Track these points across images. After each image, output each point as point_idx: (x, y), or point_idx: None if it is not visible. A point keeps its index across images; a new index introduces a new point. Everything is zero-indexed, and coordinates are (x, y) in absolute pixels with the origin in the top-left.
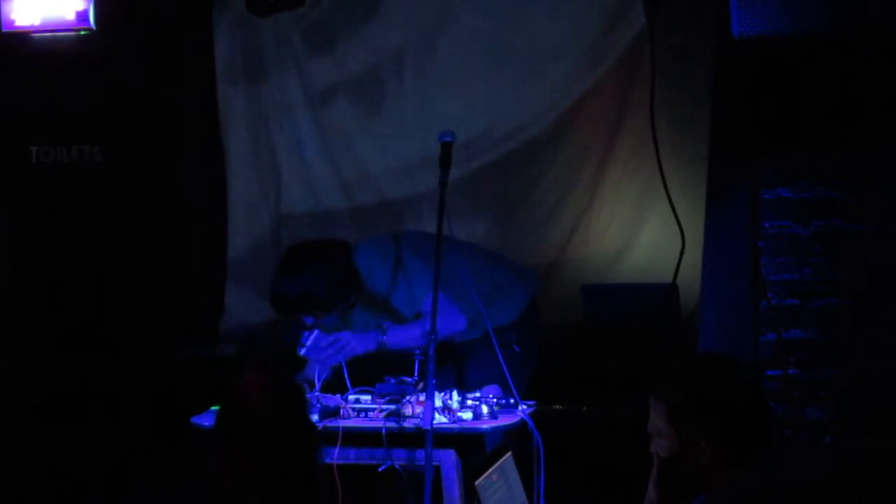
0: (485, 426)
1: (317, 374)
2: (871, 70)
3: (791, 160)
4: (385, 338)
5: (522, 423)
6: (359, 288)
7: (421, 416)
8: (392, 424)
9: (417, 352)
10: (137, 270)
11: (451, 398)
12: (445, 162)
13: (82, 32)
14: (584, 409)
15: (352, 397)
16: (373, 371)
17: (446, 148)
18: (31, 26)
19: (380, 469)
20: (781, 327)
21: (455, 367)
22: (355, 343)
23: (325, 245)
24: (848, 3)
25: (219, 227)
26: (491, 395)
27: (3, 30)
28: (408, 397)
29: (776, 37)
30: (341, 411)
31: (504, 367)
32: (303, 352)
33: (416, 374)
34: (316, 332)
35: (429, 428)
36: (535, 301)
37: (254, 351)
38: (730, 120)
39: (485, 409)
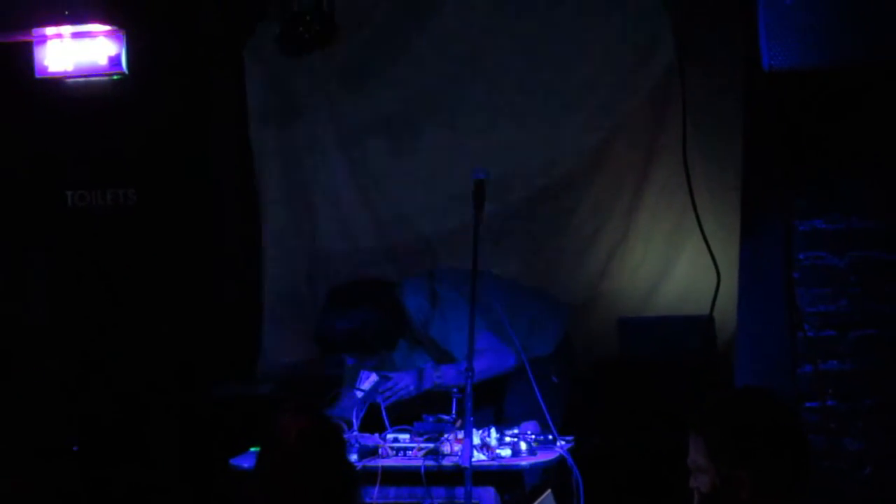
0: (523, 463)
1: (355, 413)
2: None
3: (825, 191)
4: (438, 377)
5: (561, 459)
6: (405, 328)
7: (459, 453)
8: (431, 463)
9: (455, 389)
10: (174, 311)
11: (489, 435)
12: (479, 199)
13: (115, 77)
14: (623, 443)
15: (390, 436)
16: (410, 409)
17: (479, 185)
18: (65, 72)
19: None
20: (819, 359)
21: (493, 403)
22: (411, 383)
23: (372, 286)
24: (878, 33)
25: (254, 267)
26: (529, 432)
27: (37, 76)
28: (446, 435)
29: (806, 69)
30: (380, 450)
31: (541, 401)
32: (361, 395)
33: (453, 411)
34: (374, 374)
35: (467, 466)
36: (569, 335)
37: (292, 392)
38: (762, 152)
39: (523, 445)
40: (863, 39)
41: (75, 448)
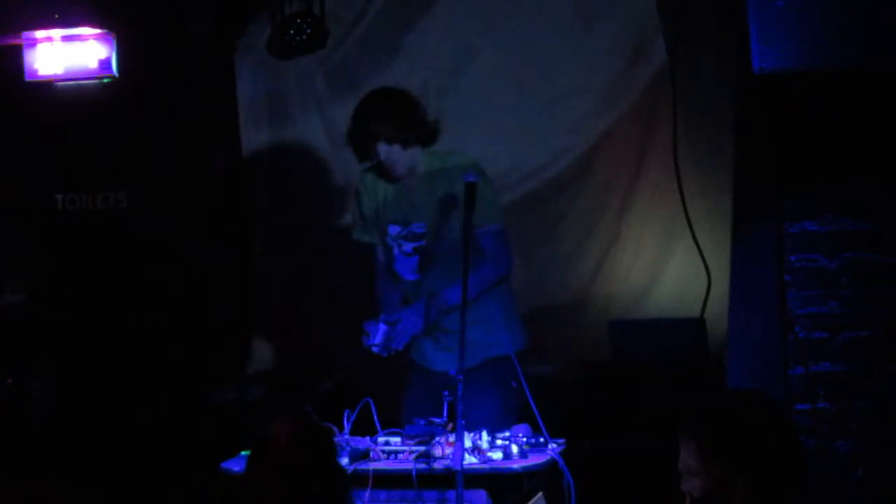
0: (515, 466)
1: (345, 416)
2: (891, 102)
3: (815, 193)
4: (443, 302)
5: (553, 461)
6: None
7: (451, 456)
8: (422, 466)
9: (446, 392)
10: (165, 315)
11: (480, 438)
12: (470, 201)
13: (105, 80)
14: (615, 446)
15: (381, 439)
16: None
17: (471, 188)
18: (55, 75)
19: None
20: (810, 361)
21: (483, 406)
22: (418, 319)
23: None
24: (868, 37)
25: (245, 271)
26: (521, 434)
27: (27, 79)
28: (437, 438)
29: (797, 72)
30: (371, 454)
31: (531, 401)
32: (377, 350)
33: (444, 414)
34: (382, 325)
35: (459, 469)
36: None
37: (283, 396)
38: (753, 154)
39: (515, 448)
40: (852, 43)
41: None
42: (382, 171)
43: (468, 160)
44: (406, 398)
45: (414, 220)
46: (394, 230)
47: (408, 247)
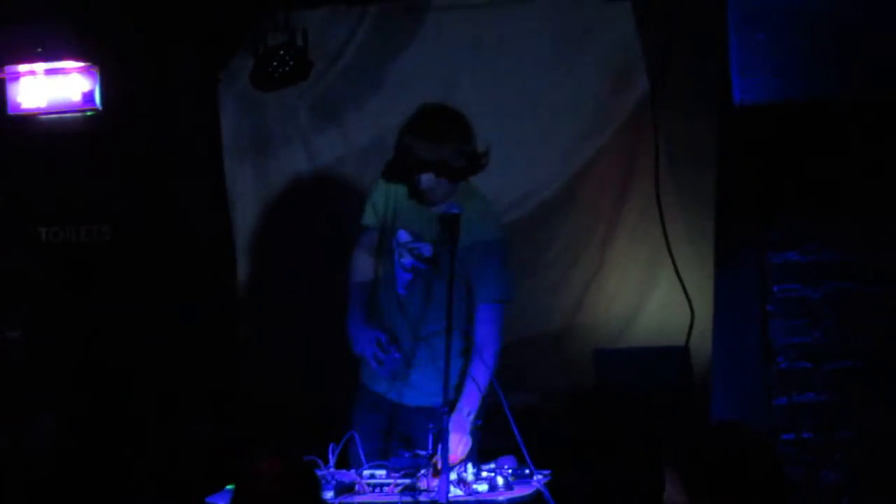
0: (500, 498)
1: (330, 449)
2: (875, 133)
3: (798, 223)
4: (470, 413)
5: (538, 493)
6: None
7: (436, 489)
8: (407, 499)
9: (431, 424)
10: (149, 346)
11: (465, 470)
12: (453, 233)
13: (88, 113)
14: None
15: (366, 472)
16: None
17: (454, 220)
18: (38, 108)
19: None
20: (794, 391)
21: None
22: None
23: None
24: (848, 69)
25: (230, 303)
26: (506, 466)
27: (10, 112)
28: (423, 471)
29: (777, 103)
30: (356, 487)
31: (516, 432)
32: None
33: (430, 447)
34: (395, 353)
35: (444, 501)
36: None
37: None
38: (735, 185)
39: (500, 480)
40: (833, 75)
41: None
42: (415, 193)
43: (487, 209)
44: (357, 420)
45: (427, 239)
46: (404, 237)
47: (408, 261)
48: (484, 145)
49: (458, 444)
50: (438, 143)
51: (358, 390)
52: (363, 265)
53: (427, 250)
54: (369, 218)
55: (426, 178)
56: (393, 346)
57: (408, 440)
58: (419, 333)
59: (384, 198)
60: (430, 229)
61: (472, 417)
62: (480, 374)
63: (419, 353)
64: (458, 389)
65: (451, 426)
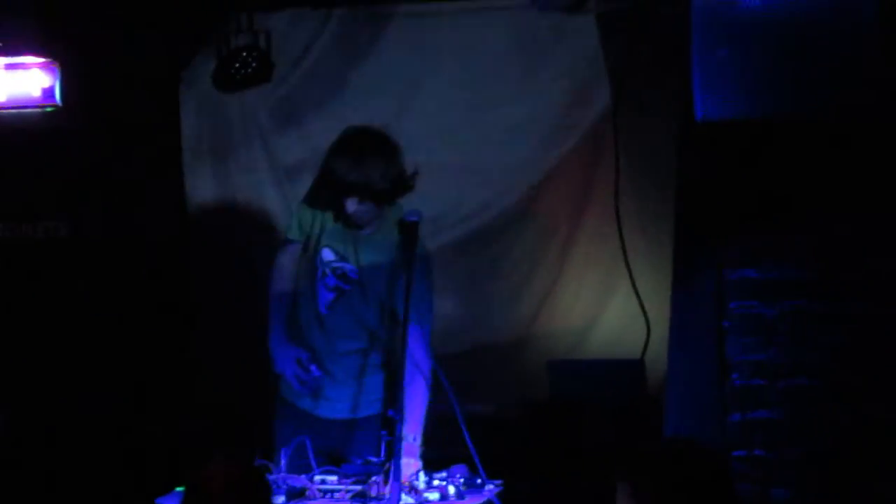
0: None
1: (283, 453)
2: (833, 153)
3: (755, 241)
4: (416, 438)
5: (489, 502)
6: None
7: (387, 496)
8: None
9: (384, 432)
10: (105, 344)
11: (417, 478)
12: (412, 241)
13: (48, 109)
14: (553, 487)
15: (317, 478)
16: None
17: (413, 227)
18: None
19: None
20: (747, 408)
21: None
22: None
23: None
24: (807, 88)
25: (186, 301)
26: (458, 475)
27: None
28: (374, 478)
29: (738, 121)
30: (307, 492)
31: (468, 441)
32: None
33: (382, 454)
34: (314, 370)
35: None
36: None
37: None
38: (694, 201)
39: (451, 489)
40: (794, 93)
41: None
42: (341, 216)
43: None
44: (279, 432)
45: (352, 262)
46: (328, 256)
47: (331, 281)
48: (412, 167)
49: (409, 469)
50: (362, 165)
51: (277, 402)
52: (284, 277)
53: (352, 271)
54: (294, 232)
55: (350, 203)
56: (313, 364)
57: (328, 453)
58: (338, 350)
59: (311, 215)
60: (354, 251)
61: (419, 441)
62: (421, 399)
63: (336, 368)
64: (377, 402)
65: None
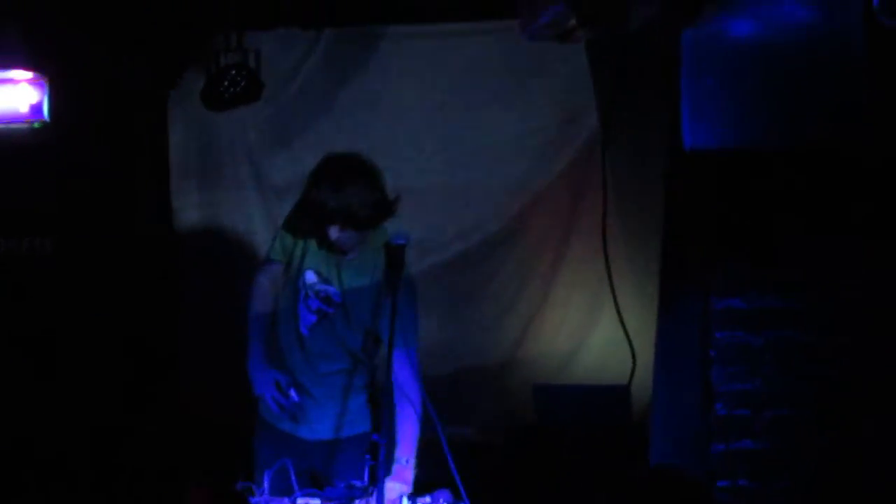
0: None
1: (266, 475)
2: (820, 183)
3: (742, 270)
4: (409, 461)
5: None
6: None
7: None
8: None
9: (367, 455)
10: (90, 362)
11: (400, 503)
12: (398, 264)
13: (35, 125)
14: None
15: (300, 501)
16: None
17: (399, 251)
18: None
19: None
20: (732, 438)
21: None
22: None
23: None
24: (796, 118)
25: (173, 319)
26: (441, 500)
27: None
28: (357, 501)
29: (726, 150)
30: None
31: (452, 467)
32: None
33: (365, 478)
34: (293, 394)
35: None
36: None
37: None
38: (681, 229)
39: None
40: (783, 123)
41: None
42: (324, 242)
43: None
44: (259, 453)
45: (335, 285)
46: (311, 278)
47: (314, 303)
48: (396, 191)
49: (393, 493)
50: (341, 192)
51: (258, 424)
52: (264, 297)
53: (335, 294)
54: (276, 253)
55: (332, 231)
56: (292, 388)
57: (311, 474)
58: (319, 371)
59: (293, 239)
60: (338, 274)
61: (412, 464)
62: (412, 421)
63: (317, 389)
64: (359, 422)
65: (392, 475)
